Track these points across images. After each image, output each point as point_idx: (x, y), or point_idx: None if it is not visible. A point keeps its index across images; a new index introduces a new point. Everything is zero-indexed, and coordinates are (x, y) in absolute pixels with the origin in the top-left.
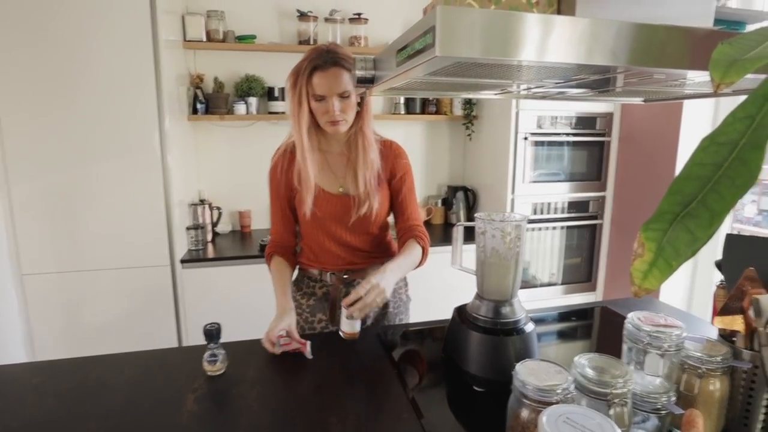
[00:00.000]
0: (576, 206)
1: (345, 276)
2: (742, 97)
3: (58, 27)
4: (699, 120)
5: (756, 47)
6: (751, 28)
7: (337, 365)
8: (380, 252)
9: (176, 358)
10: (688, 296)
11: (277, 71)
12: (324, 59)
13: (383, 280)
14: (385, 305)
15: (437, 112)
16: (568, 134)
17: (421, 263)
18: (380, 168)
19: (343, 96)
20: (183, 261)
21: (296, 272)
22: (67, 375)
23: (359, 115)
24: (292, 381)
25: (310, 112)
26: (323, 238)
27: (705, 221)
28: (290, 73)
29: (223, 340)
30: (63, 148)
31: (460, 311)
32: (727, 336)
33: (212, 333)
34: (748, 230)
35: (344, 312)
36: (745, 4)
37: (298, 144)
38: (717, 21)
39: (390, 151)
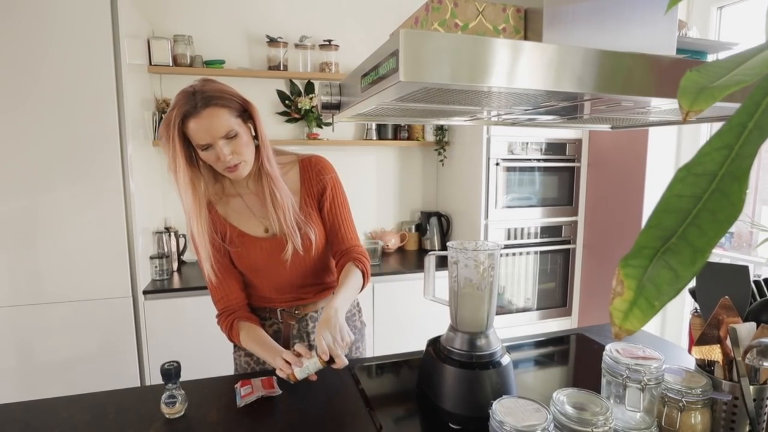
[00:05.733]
0: (549, 231)
1: (296, 312)
2: (704, 125)
3: (14, 49)
4: (665, 145)
5: (725, 75)
6: (711, 58)
7: (306, 405)
8: (328, 277)
9: (133, 400)
10: (661, 321)
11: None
12: (193, 103)
13: (336, 326)
14: None
15: (409, 138)
16: (538, 160)
17: (363, 287)
18: (304, 194)
19: (230, 137)
20: (146, 292)
21: None
22: (6, 424)
23: (257, 150)
24: (258, 424)
25: (200, 162)
26: (265, 283)
27: (687, 258)
28: (161, 126)
29: (189, 376)
30: (17, 174)
31: (434, 344)
32: (704, 366)
33: (170, 372)
34: (714, 252)
35: (303, 361)
36: (703, 35)
37: (187, 212)
38: (679, 50)
39: (311, 169)
